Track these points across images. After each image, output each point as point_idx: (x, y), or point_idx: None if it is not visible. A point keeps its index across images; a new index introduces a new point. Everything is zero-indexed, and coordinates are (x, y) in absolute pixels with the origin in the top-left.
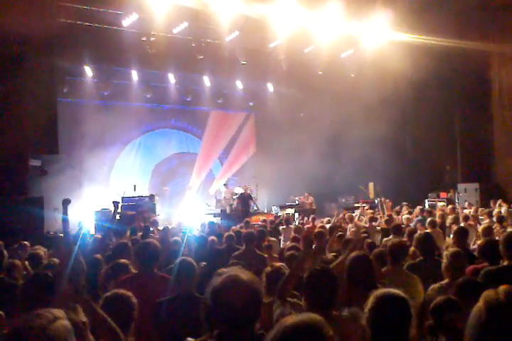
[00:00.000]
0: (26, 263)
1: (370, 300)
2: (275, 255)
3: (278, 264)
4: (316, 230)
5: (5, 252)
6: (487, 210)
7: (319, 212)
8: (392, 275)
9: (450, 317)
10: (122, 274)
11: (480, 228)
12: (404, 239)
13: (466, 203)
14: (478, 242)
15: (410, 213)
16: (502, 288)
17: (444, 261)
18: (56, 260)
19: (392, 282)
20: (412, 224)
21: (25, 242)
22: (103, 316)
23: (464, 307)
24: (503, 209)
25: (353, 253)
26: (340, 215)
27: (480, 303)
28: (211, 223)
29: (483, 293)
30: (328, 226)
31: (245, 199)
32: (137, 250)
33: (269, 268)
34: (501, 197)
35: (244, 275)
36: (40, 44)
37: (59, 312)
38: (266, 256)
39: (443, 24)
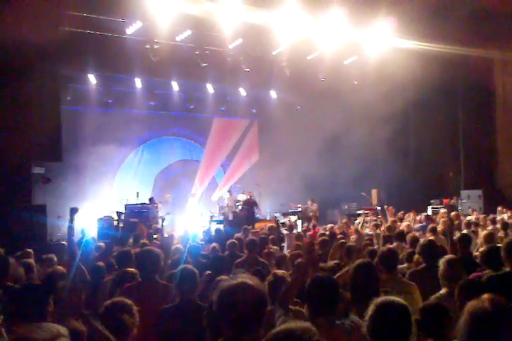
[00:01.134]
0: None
1: (370, 308)
2: (273, 262)
3: (280, 272)
4: (320, 238)
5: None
6: (490, 217)
7: (322, 218)
8: (387, 283)
9: (438, 322)
10: (128, 283)
11: (482, 235)
12: (407, 246)
13: (470, 210)
14: (481, 249)
15: (414, 220)
16: (486, 296)
17: (441, 268)
18: (61, 268)
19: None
20: (416, 228)
21: (29, 250)
22: (99, 329)
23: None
24: (506, 216)
25: (357, 261)
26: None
27: (465, 313)
28: (218, 230)
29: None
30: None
31: (251, 205)
32: (138, 258)
33: (271, 277)
34: (504, 203)
35: (251, 280)
36: (44, 52)
37: (63, 330)
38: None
39: (446, 31)
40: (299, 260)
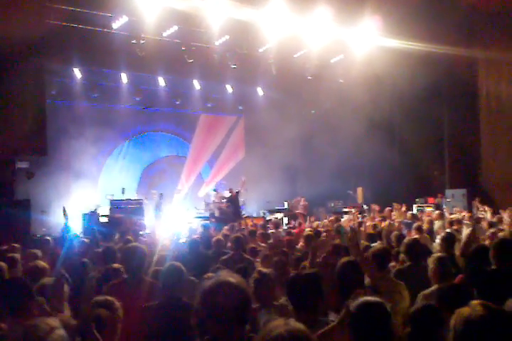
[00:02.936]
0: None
1: (351, 308)
2: (258, 260)
3: (265, 270)
4: (304, 233)
5: None
6: (475, 216)
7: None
8: (378, 282)
9: (430, 326)
10: (114, 279)
11: (464, 234)
12: (392, 244)
13: (455, 209)
14: (460, 247)
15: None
16: (476, 303)
17: (430, 266)
18: (43, 263)
19: (378, 288)
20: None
21: (16, 245)
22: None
23: (446, 315)
24: (488, 215)
25: (343, 259)
26: (330, 219)
27: (457, 320)
28: (206, 225)
29: (464, 299)
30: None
31: (234, 200)
32: (123, 255)
33: (256, 274)
34: (488, 202)
35: (233, 278)
36: (30, 45)
37: (54, 322)
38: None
39: (431, 31)
40: (276, 258)
